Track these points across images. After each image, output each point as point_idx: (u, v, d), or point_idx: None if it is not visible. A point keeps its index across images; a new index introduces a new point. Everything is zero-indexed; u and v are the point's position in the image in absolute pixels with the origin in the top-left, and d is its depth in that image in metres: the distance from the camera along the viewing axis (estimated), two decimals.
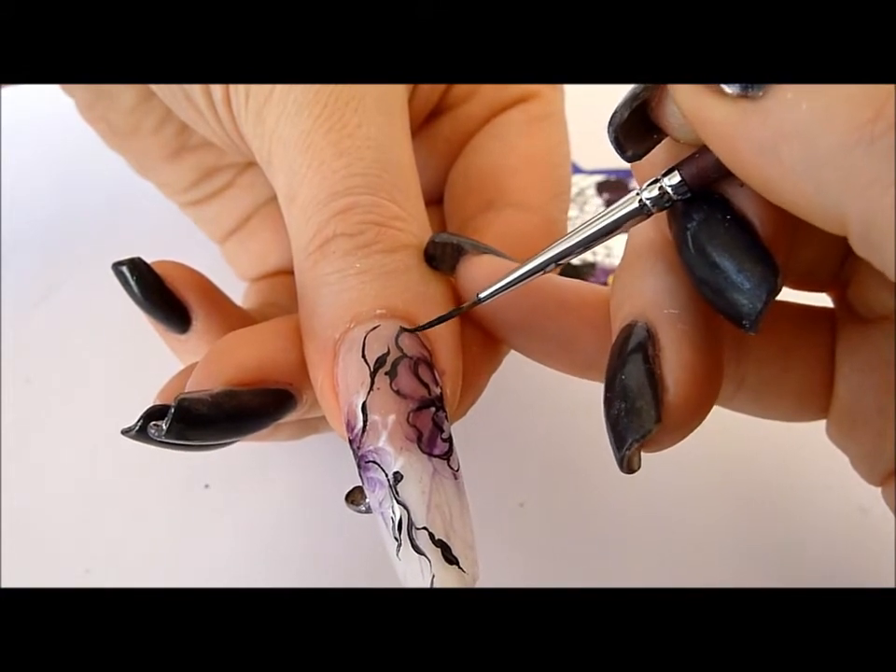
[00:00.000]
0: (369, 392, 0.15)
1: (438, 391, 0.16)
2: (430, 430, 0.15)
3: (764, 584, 0.23)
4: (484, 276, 0.17)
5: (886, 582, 0.23)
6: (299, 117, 0.16)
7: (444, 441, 0.15)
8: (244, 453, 0.21)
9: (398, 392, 0.15)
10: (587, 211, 0.33)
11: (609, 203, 0.33)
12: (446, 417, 0.16)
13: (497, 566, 0.24)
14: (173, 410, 0.15)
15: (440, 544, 0.15)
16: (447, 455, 0.15)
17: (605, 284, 0.30)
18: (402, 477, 0.15)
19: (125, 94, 0.22)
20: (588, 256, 0.31)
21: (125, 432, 0.15)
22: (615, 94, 0.34)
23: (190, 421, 0.15)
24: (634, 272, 0.15)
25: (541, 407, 0.27)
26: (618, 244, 0.32)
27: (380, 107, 0.17)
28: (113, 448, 0.26)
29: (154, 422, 0.15)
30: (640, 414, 0.14)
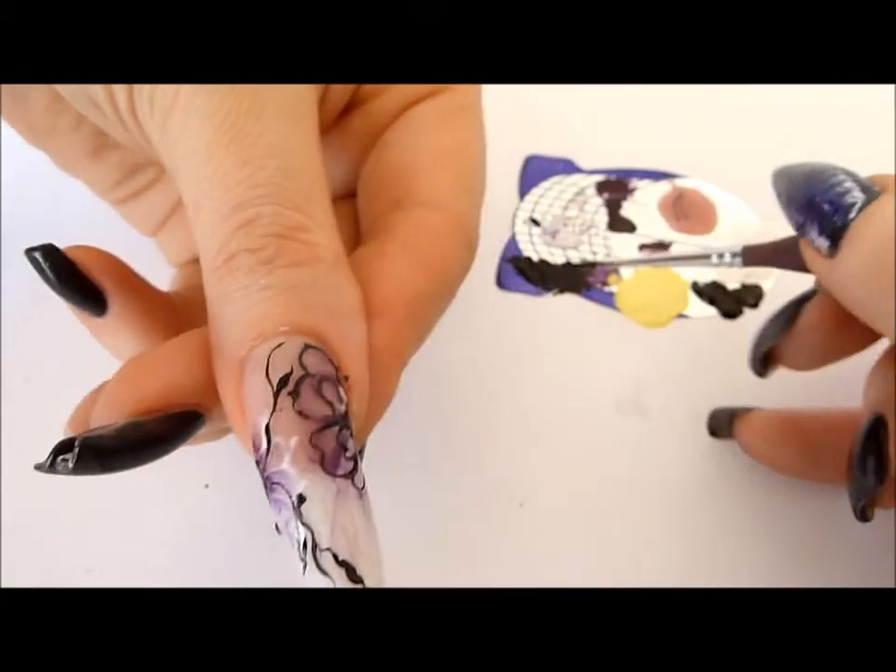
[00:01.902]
0: (272, 413, 0.15)
1: (342, 409, 0.15)
2: (333, 450, 0.15)
3: (765, 584, 0.23)
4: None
5: (886, 582, 0.23)
6: (201, 127, 0.16)
7: (349, 459, 0.15)
8: (244, 452, 0.21)
9: (300, 413, 0.15)
10: (587, 210, 0.33)
11: (608, 203, 0.33)
12: (351, 435, 0.16)
13: (497, 566, 0.24)
14: (77, 448, 0.15)
15: (344, 564, 0.15)
16: (352, 475, 0.15)
17: (605, 284, 0.30)
18: (306, 499, 0.15)
19: (36, 95, 0.22)
20: (588, 256, 0.31)
21: (38, 468, 0.15)
22: (615, 94, 0.34)
23: (96, 456, 0.15)
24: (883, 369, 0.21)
25: (541, 407, 0.27)
26: (618, 244, 0.32)
27: (284, 113, 0.17)
28: None
29: (62, 456, 0.15)
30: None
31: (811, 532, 0.24)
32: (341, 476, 0.15)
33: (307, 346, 0.15)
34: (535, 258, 0.31)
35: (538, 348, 0.29)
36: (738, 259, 0.23)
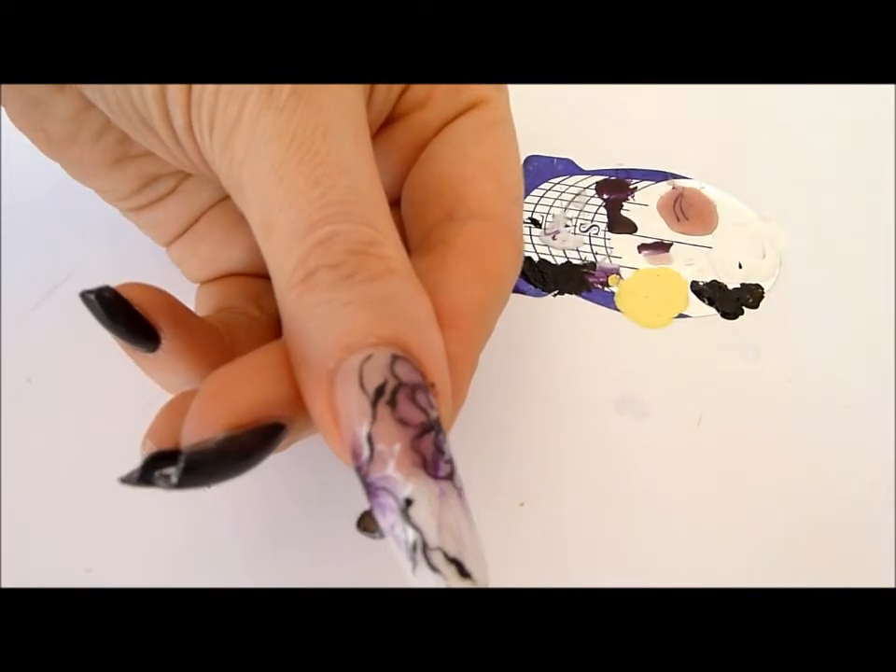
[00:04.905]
0: (372, 423, 0.15)
1: (435, 414, 0.16)
2: (432, 454, 0.16)
3: (764, 584, 0.23)
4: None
5: (886, 582, 0.23)
6: (268, 148, 0.16)
7: (447, 462, 0.16)
8: None
9: (400, 421, 0.16)
10: (587, 211, 0.33)
11: (609, 204, 0.33)
12: (445, 439, 0.16)
13: (497, 566, 0.24)
14: (182, 464, 0.15)
15: (454, 561, 0.15)
16: (451, 476, 0.16)
17: (605, 284, 0.30)
18: (413, 501, 0.15)
19: (62, 104, 0.22)
20: (588, 256, 0.31)
21: (126, 480, 0.16)
22: (615, 94, 0.34)
23: (200, 472, 0.16)
24: None
25: (541, 407, 0.27)
26: (618, 244, 0.32)
27: (346, 130, 0.17)
28: (113, 448, 0.26)
29: (161, 472, 0.16)
30: None
31: (811, 532, 0.24)
32: (442, 478, 0.16)
33: (395, 357, 0.16)
34: (535, 258, 0.31)
35: (538, 348, 0.29)
36: None
